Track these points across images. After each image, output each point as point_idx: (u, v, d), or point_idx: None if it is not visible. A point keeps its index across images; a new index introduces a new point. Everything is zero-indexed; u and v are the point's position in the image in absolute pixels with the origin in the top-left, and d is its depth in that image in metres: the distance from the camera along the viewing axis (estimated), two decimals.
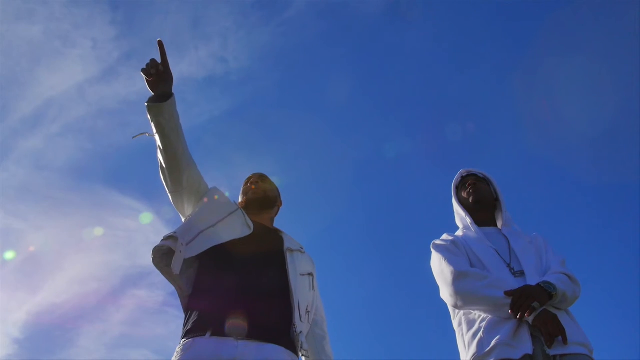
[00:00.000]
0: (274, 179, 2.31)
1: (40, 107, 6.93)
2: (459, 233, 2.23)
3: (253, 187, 2.13)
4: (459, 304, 1.94)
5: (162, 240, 1.71)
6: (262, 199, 2.09)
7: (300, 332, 1.68)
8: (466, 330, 1.95)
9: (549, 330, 1.75)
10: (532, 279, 1.90)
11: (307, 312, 1.81)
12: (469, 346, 1.90)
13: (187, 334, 1.61)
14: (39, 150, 7.26)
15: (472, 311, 1.95)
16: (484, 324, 1.87)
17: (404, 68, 7.36)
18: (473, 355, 1.85)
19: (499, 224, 2.22)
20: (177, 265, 1.65)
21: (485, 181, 2.30)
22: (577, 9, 6.66)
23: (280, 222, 2.24)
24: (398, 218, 7.48)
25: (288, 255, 1.83)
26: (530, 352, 1.74)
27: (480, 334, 1.86)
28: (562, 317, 1.83)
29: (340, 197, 7.22)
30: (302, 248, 1.99)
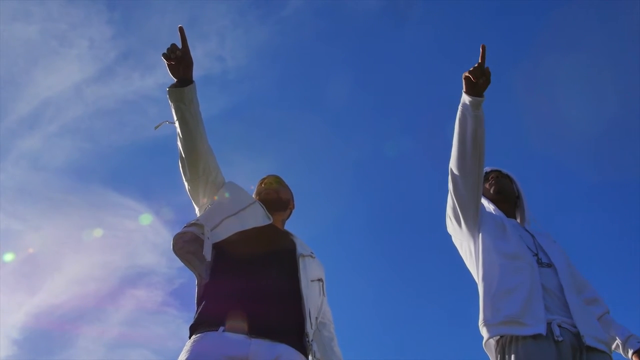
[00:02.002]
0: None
1: (38, 107, 6.90)
2: None
3: (266, 188, 2.14)
4: (456, 160, 2.00)
5: (185, 227, 1.74)
6: (274, 200, 2.09)
7: (312, 340, 1.69)
8: (482, 293, 1.92)
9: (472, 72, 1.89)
10: (563, 273, 1.90)
11: (316, 317, 1.84)
12: (481, 310, 1.87)
13: (198, 328, 1.59)
14: (37, 150, 7.23)
15: (487, 276, 1.92)
16: (493, 289, 1.85)
17: (403, 66, 7.34)
18: (483, 321, 1.83)
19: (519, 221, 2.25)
20: (208, 252, 1.68)
21: (509, 178, 2.34)
22: (578, 6, 6.65)
23: None
24: (399, 217, 7.46)
25: (300, 261, 1.83)
26: (543, 332, 1.68)
27: (490, 301, 1.84)
28: (591, 318, 1.85)
29: (340, 197, 7.20)
30: (312, 253, 1.99)
